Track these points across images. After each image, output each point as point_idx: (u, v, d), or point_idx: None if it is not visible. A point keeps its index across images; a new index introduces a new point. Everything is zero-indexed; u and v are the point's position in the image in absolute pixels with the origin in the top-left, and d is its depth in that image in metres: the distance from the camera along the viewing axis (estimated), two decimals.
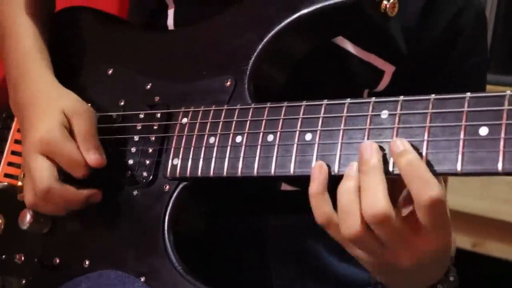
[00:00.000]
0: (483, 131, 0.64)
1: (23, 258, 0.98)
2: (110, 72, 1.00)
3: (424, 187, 0.63)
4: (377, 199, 0.65)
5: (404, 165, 0.65)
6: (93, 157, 0.88)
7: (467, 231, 1.49)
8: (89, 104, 0.97)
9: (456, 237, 1.05)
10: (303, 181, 0.74)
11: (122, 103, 0.96)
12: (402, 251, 0.68)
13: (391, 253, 0.68)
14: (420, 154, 0.66)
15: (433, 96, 0.68)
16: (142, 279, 0.84)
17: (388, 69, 0.94)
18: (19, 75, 0.98)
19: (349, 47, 0.92)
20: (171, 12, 0.99)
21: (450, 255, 0.74)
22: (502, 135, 0.63)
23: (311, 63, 0.89)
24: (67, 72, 1.01)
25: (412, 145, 0.66)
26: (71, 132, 0.90)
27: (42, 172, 0.88)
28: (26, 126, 0.93)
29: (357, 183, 0.67)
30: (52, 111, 0.91)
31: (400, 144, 0.66)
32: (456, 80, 0.97)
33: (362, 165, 0.67)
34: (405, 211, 0.67)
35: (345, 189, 0.67)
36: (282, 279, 0.94)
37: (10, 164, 1.05)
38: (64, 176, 0.90)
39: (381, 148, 0.68)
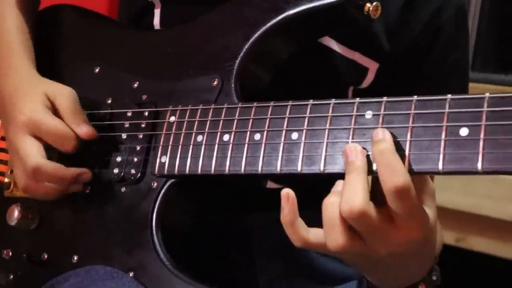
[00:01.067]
0: (464, 131, 0.65)
1: (10, 253, 0.99)
2: (97, 70, 1.00)
3: (390, 174, 0.65)
4: (355, 196, 0.66)
5: (376, 152, 0.67)
6: (84, 129, 0.90)
7: (450, 227, 1.51)
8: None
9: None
10: (289, 178, 0.76)
11: (109, 101, 0.97)
12: (378, 242, 0.69)
13: (368, 246, 0.69)
14: (401, 149, 0.67)
15: (415, 97, 0.70)
16: (131, 274, 0.85)
17: (372, 66, 0.96)
18: (3, 69, 0.99)
19: (334, 45, 0.93)
20: (157, 12, 1.00)
21: (433, 254, 0.75)
22: (482, 136, 0.64)
23: (297, 62, 0.91)
24: (54, 70, 1.02)
25: (395, 141, 0.68)
26: (55, 112, 0.91)
27: (30, 151, 0.89)
28: (9, 113, 0.94)
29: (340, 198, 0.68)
30: (35, 94, 0.92)
31: (380, 133, 0.67)
32: (438, 76, 0.99)
33: (346, 166, 0.69)
34: (380, 203, 0.68)
35: (330, 202, 0.68)
36: (268, 275, 0.96)
37: None
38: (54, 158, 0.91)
39: (365, 149, 0.70)
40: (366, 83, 0.96)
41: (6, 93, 0.96)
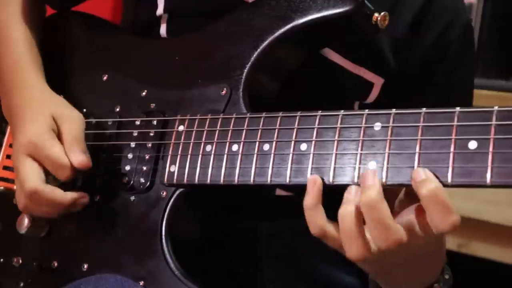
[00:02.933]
0: (472, 145, 0.67)
1: (20, 261, 1.00)
2: (105, 78, 1.01)
3: (445, 214, 0.66)
4: (390, 231, 0.67)
5: (426, 193, 0.66)
6: (79, 159, 0.90)
7: (452, 232, 1.51)
8: (84, 110, 0.99)
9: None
10: (297, 187, 0.77)
11: (117, 109, 0.97)
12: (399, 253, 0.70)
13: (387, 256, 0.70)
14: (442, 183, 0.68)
15: (424, 109, 0.71)
16: (141, 283, 0.86)
17: (378, 81, 0.97)
18: (12, 81, 1.00)
19: (340, 60, 0.94)
20: (164, 26, 1.00)
21: (444, 255, 0.78)
22: (490, 149, 0.65)
23: (303, 77, 0.92)
24: (62, 78, 1.02)
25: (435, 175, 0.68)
26: (59, 136, 0.92)
27: (29, 174, 0.90)
28: (16, 130, 0.95)
29: (356, 207, 0.69)
30: (42, 115, 0.93)
31: (422, 173, 0.68)
32: (443, 93, 1.00)
33: (364, 195, 0.69)
34: (404, 217, 0.70)
35: (346, 214, 0.69)
36: (275, 283, 0.96)
37: (5, 168, 1.06)
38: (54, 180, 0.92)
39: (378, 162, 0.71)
40: (371, 98, 0.97)
41: (15, 109, 0.97)
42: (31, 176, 0.90)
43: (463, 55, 1.01)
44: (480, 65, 1.47)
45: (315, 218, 0.71)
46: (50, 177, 0.92)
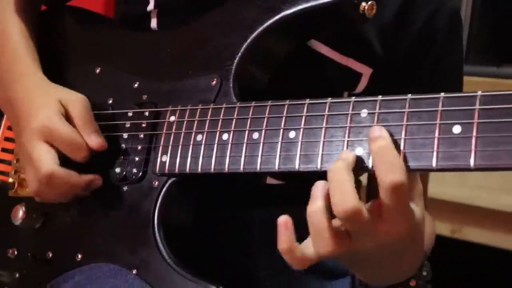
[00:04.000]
0: (457, 129, 0.67)
1: (16, 252, 1.01)
2: (97, 70, 1.02)
3: (389, 171, 0.66)
4: (346, 197, 0.67)
5: (375, 149, 0.68)
6: (95, 140, 0.91)
7: (446, 218, 1.53)
8: None
9: (435, 224, 1.10)
10: (287, 175, 0.77)
11: (110, 101, 0.98)
12: (367, 237, 0.70)
13: (358, 242, 0.71)
14: (398, 146, 0.69)
15: (409, 96, 0.71)
16: (134, 271, 0.87)
17: (366, 71, 0.97)
18: (10, 73, 1.01)
19: (327, 52, 0.95)
20: (154, 20, 1.01)
21: (422, 251, 0.77)
22: (474, 133, 0.66)
23: (292, 69, 0.92)
24: (55, 71, 1.03)
25: (393, 138, 0.69)
26: (68, 120, 0.93)
27: (45, 158, 0.90)
28: (23, 118, 0.95)
29: (324, 203, 0.69)
30: (49, 101, 0.94)
31: (377, 130, 0.69)
32: (433, 80, 1.00)
33: (332, 168, 0.69)
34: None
35: (313, 210, 0.69)
36: (268, 270, 0.97)
37: (0, 161, 1.07)
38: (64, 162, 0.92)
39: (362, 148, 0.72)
40: (360, 88, 0.98)
41: (18, 98, 0.97)
42: (47, 160, 0.90)
43: (451, 42, 1.01)
44: (471, 52, 1.47)
45: (295, 258, 0.71)
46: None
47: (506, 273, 1.70)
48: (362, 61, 0.96)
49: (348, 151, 0.72)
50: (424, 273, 0.79)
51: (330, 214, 0.70)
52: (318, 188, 0.70)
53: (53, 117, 0.91)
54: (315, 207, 0.69)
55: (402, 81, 0.98)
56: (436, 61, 1.00)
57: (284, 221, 0.71)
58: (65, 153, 0.91)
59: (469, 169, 0.66)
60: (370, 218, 0.68)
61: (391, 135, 0.70)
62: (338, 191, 0.68)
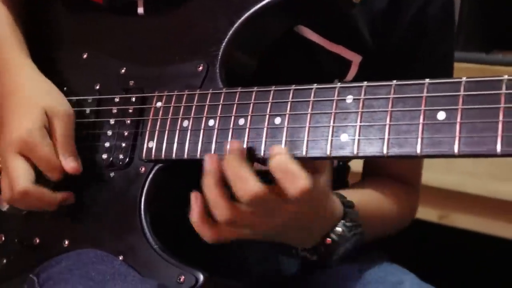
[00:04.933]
0: (441, 115, 0.67)
1: (3, 238, 1.01)
2: (85, 56, 1.01)
3: (292, 182, 0.72)
4: (248, 185, 0.73)
5: (274, 165, 0.73)
6: (71, 164, 0.92)
7: (433, 204, 1.54)
8: (65, 88, 0.99)
9: (423, 210, 1.11)
10: None
11: (97, 87, 0.98)
12: (274, 216, 0.77)
13: (268, 220, 0.77)
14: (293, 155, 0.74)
15: (394, 82, 0.71)
16: (120, 257, 0.87)
17: (356, 59, 0.97)
18: None
19: (317, 39, 0.94)
20: (141, 9, 1.00)
21: (332, 213, 0.85)
22: (458, 119, 0.66)
23: (281, 56, 0.92)
24: (42, 57, 1.02)
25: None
26: (50, 133, 0.92)
27: (20, 175, 0.90)
28: (6, 119, 0.94)
29: (217, 176, 0.76)
30: (34, 109, 0.92)
31: (275, 148, 0.75)
32: (425, 69, 1.00)
33: (225, 159, 0.76)
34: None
35: (208, 185, 0.76)
36: (256, 254, 0.98)
37: None
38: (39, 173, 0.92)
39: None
40: (350, 76, 0.98)
41: (5, 89, 0.97)
42: (22, 177, 0.90)
43: (443, 30, 1.01)
44: (461, 38, 1.47)
45: (206, 228, 0.79)
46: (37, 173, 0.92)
47: (493, 259, 1.71)
48: (352, 49, 0.96)
49: (234, 141, 0.78)
50: (339, 229, 0.85)
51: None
52: (208, 161, 0.76)
53: (33, 132, 0.90)
54: (209, 182, 0.76)
55: (393, 70, 0.98)
56: (428, 50, 1.00)
57: (194, 195, 0.78)
58: (40, 169, 0.92)
59: (453, 156, 0.67)
60: (275, 199, 0.74)
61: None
62: (238, 179, 0.74)
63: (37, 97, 0.94)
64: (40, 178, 0.92)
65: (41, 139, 0.91)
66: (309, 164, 0.76)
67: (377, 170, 1.07)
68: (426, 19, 0.98)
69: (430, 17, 0.98)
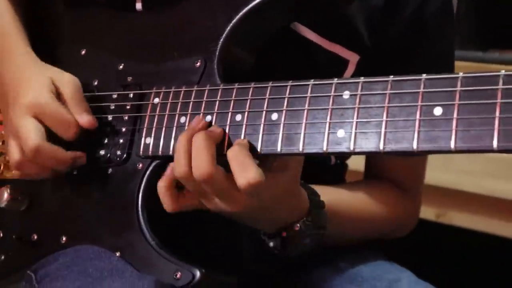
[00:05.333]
0: (438, 111, 0.67)
1: (1, 234, 1.01)
2: (83, 52, 1.02)
3: (241, 171, 0.75)
4: (202, 163, 0.77)
5: (229, 155, 0.76)
6: (86, 118, 0.92)
7: (430, 203, 1.54)
8: None
9: (421, 208, 1.11)
10: (269, 156, 0.78)
11: (96, 83, 0.98)
12: (228, 203, 0.80)
13: (218, 204, 0.80)
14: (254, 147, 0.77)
15: (391, 77, 0.71)
16: (118, 253, 0.87)
17: (353, 58, 0.97)
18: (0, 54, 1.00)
19: (314, 38, 0.95)
20: (139, 4, 1.00)
21: (301, 205, 0.86)
22: (455, 115, 0.66)
23: (278, 55, 0.93)
24: (41, 52, 1.02)
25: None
26: (59, 98, 0.92)
27: (32, 132, 0.90)
28: (13, 94, 0.95)
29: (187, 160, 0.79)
30: (40, 79, 0.93)
31: (239, 140, 0.78)
32: (424, 67, 0.99)
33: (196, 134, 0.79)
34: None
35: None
36: (252, 252, 0.97)
37: None
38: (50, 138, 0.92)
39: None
40: (347, 75, 0.97)
41: (8, 78, 0.97)
42: (34, 134, 0.89)
43: (443, 28, 1.01)
44: (457, 37, 1.47)
45: (165, 196, 0.83)
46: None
47: (490, 257, 1.71)
48: (350, 48, 0.96)
49: (200, 118, 0.82)
50: (309, 219, 0.86)
51: None
52: (180, 146, 0.80)
53: (44, 94, 0.91)
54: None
55: (392, 69, 0.97)
56: (428, 48, 1.00)
57: (171, 164, 0.82)
58: (54, 130, 0.91)
59: (449, 151, 0.67)
60: (226, 184, 0.77)
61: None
62: (196, 157, 0.77)
63: (42, 70, 0.96)
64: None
65: (51, 99, 0.91)
66: (279, 160, 0.79)
67: (378, 174, 1.06)
68: (425, 16, 0.98)
69: (429, 14, 0.98)
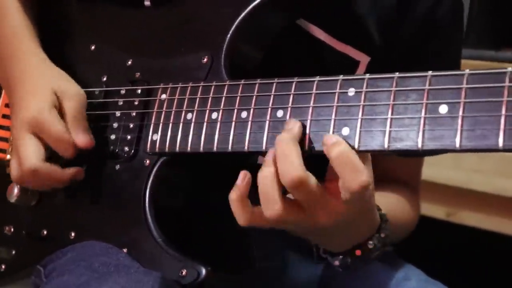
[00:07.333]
0: (443, 109, 0.67)
1: (12, 229, 1.02)
2: (92, 48, 1.02)
3: (353, 174, 0.68)
4: (293, 165, 0.70)
5: (334, 155, 0.69)
6: (83, 139, 0.91)
7: (441, 202, 1.53)
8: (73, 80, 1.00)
9: (431, 207, 1.10)
10: None
11: (104, 79, 0.98)
12: (320, 212, 0.73)
13: (310, 216, 0.73)
14: (352, 146, 0.70)
15: (397, 74, 0.71)
16: (125, 250, 0.87)
17: (364, 59, 0.96)
18: (9, 51, 1.01)
19: (325, 38, 0.94)
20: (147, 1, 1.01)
21: (373, 223, 0.80)
22: (460, 113, 0.65)
23: (287, 54, 0.92)
24: (51, 48, 1.03)
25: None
26: (61, 113, 0.92)
27: (30, 152, 0.90)
28: (17, 102, 0.95)
29: (274, 169, 0.72)
30: (44, 90, 0.93)
31: (332, 137, 0.71)
32: (432, 69, 0.99)
33: (280, 136, 0.73)
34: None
35: (264, 175, 0.72)
36: (262, 250, 0.97)
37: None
38: (50, 153, 0.92)
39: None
40: None
41: (16, 75, 0.97)
42: (32, 154, 0.90)
43: (453, 31, 1.00)
44: (470, 35, 1.46)
45: (240, 209, 0.75)
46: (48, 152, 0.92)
47: (501, 257, 1.70)
48: (360, 49, 0.96)
49: (295, 121, 0.74)
50: (383, 235, 0.80)
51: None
52: (270, 155, 0.72)
53: (44, 110, 0.91)
54: (265, 171, 0.72)
55: (402, 71, 0.97)
56: (437, 51, 0.99)
57: (244, 173, 0.74)
58: (53, 148, 0.92)
59: (455, 150, 0.66)
60: (320, 192, 0.71)
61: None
62: (284, 161, 0.70)
63: (47, 80, 0.95)
64: (50, 159, 0.92)
65: (51, 117, 0.91)
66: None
67: (382, 174, 1.05)
68: (435, 19, 0.97)
69: (439, 16, 0.97)
